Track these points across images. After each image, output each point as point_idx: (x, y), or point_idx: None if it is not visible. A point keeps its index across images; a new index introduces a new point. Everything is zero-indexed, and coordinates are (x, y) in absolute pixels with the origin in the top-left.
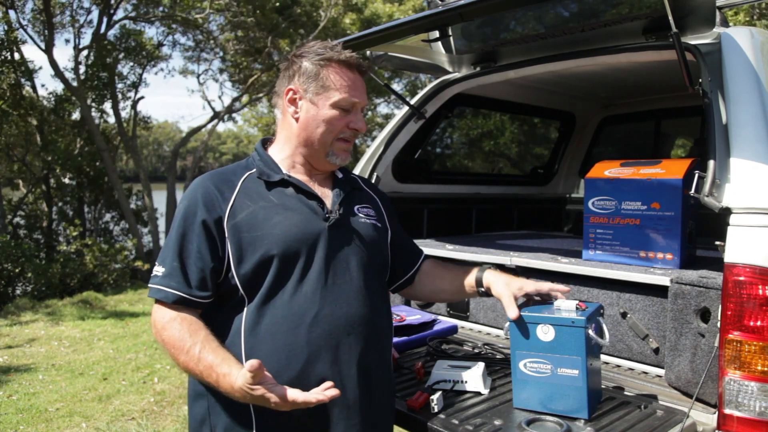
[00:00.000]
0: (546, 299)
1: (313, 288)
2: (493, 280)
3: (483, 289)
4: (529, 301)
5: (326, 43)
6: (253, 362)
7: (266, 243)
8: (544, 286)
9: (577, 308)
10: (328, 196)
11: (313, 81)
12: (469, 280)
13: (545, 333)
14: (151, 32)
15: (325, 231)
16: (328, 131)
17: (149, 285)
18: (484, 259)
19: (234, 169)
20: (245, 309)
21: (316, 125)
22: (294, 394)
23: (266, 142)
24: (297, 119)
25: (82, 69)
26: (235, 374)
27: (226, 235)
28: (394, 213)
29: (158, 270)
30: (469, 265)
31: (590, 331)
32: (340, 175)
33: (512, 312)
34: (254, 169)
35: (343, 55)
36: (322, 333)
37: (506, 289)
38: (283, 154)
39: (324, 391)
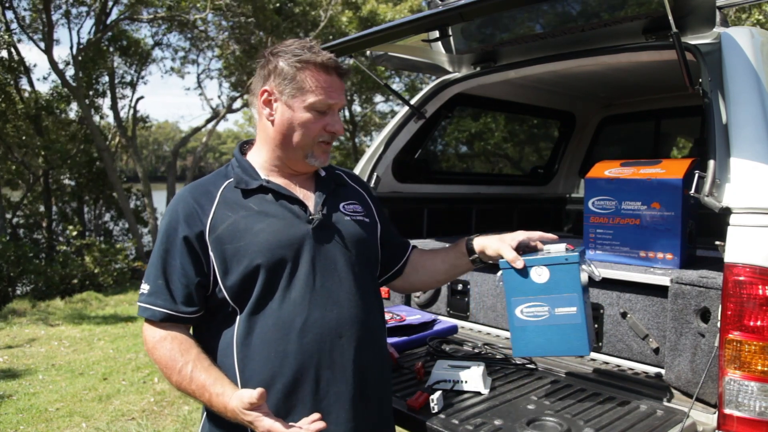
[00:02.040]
0: (536, 248)
1: (301, 293)
2: (485, 242)
3: (477, 255)
4: (519, 250)
5: (304, 42)
6: (261, 391)
7: (250, 253)
8: (535, 234)
9: (566, 249)
10: (310, 197)
11: (289, 83)
12: (460, 252)
13: (539, 275)
14: (146, 31)
15: (309, 234)
16: (305, 135)
17: (137, 303)
18: None
19: (213, 180)
20: (236, 320)
21: (292, 129)
22: (280, 428)
23: (245, 145)
24: (272, 122)
25: (77, 69)
26: (228, 394)
27: (210, 248)
28: (381, 206)
29: (144, 288)
30: (452, 244)
31: (584, 266)
32: (322, 173)
33: (519, 263)
34: (232, 178)
35: (320, 58)
36: (314, 338)
37: (502, 243)
38: (261, 157)
39: (310, 424)
